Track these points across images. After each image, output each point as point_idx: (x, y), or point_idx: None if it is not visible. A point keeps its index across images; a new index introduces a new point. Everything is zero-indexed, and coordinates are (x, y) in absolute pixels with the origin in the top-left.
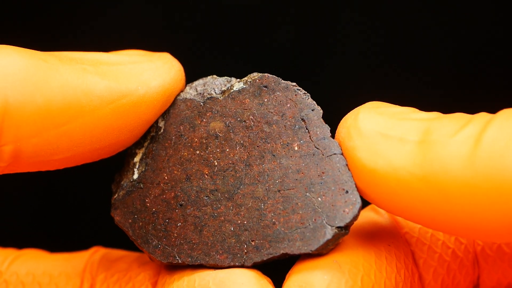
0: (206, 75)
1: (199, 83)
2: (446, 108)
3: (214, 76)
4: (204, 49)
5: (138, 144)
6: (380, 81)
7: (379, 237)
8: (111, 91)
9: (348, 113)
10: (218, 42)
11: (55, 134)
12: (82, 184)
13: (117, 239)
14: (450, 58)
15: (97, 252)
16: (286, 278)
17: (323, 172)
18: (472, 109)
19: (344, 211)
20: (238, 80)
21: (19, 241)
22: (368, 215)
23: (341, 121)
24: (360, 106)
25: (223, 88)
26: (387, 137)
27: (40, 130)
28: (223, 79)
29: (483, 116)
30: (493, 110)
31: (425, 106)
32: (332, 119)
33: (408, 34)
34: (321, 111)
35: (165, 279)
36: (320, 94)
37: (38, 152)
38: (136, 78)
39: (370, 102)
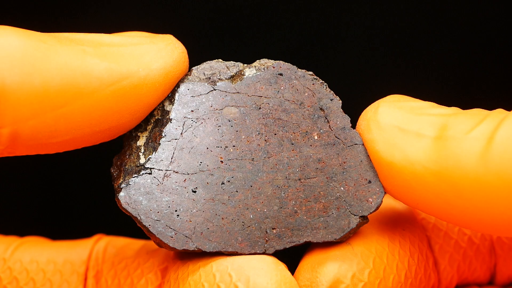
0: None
1: (205, 67)
2: (449, 103)
3: (219, 60)
4: (206, 37)
5: (139, 127)
6: (384, 76)
7: (394, 221)
8: (111, 73)
9: (369, 106)
10: (221, 33)
11: (53, 116)
12: (79, 172)
13: (118, 227)
14: (455, 54)
15: (101, 239)
16: (301, 261)
17: (344, 162)
18: (475, 106)
19: (368, 200)
20: (247, 65)
21: (18, 229)
22: (385, 201)
23: (362, 114)
24: (381, 99)
25: (231, 73)
26: (405, 131)
27: (38, 112)
28: (230, 63)
29: (498, 113)
30: (499, 106)
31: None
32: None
33: (412, 30)
34: (340, 101)
35: (177, 266)
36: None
37: (36, 134)
38: (137, 60)
39: (391, 96)
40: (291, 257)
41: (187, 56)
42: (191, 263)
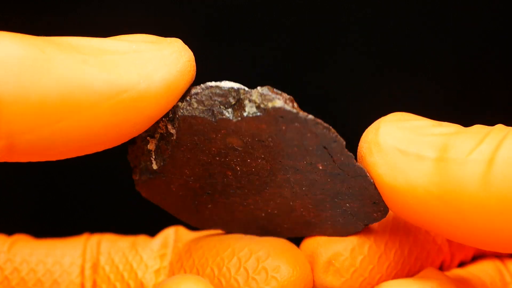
0: (207, 65)
1: (204, 94)
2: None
3: (218, 85)
4: (208, 40)
5: (147, 131)
6: (382, 81)
7: None
8: (110, 86)
9: (370, 127)
10: (221, 38)
11: (50, 130)
12: (67, 170)
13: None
14: (453, 57)
15: (92, 236)
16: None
17: (349, 188)
18: (475, 108)
19: (373, 215)
20: (248, 92)
21: (6, 229)
22: None
23: (363, 135)
24: (381, 119)
25: (231, 102)
26: (406, 153)
27: (34, 126)
28: (228, 87)
29: (499, 131)
30: (497, 111)
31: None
32: (336, 120)
33: (410, 34)
34: (344, 142)
35: (187, 252)
36: (325, 89)
37: (32, 147)
38: (139, 70)
39: (392, 114)
40: None
41: (194, 64)
42: (208, 249)
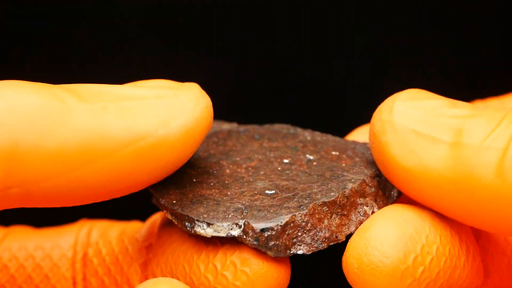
0: (204, 77)
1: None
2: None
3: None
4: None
5: None
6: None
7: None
8: (128, 133)
9: (383, 103)
10: (218, 42)
11: (66, 179)
12: None
13: (102, 211)
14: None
15: (85, 224)
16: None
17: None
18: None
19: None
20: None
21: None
22: None
23: (376, 112)
24: (395, 96)
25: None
26: (420, 135)
27: (51, 175)
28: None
29: None
30: None
31: None
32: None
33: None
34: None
35: (170, 246)
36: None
37: (48, 195)
38: (157, 117)
39: (407, 91)
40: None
41: (211, 110)
42: (179, 244)
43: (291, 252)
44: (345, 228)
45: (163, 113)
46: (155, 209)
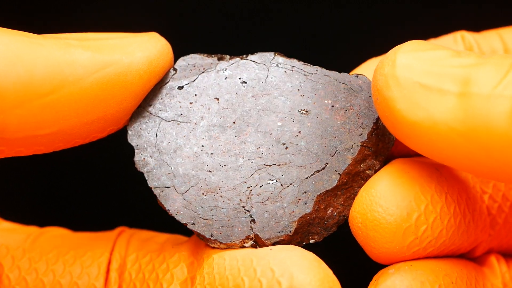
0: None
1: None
2: None
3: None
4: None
5: None
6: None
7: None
8: (94, 61)
9: (384, 57)
10: (215, 38)
11: (38, 104)
12: (100, 165)
13: (140, 221)
14: None
15: (124, 232)
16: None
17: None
18: None
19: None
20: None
21: (38, 220)
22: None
23: (377, 67)
24: (397, 49)
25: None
26: (426, 87)
27: (24, 100)
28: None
29: None
30: None
31: None
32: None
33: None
34: None
35: (209, 259)
36: None
37: (23, 125)
38: (121, 50)
39: (408, 43)
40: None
41: (171, 49)
42: (228, 256)
43: (304, 243)
44: (351, 200)
45: (127, 47)
46: None
